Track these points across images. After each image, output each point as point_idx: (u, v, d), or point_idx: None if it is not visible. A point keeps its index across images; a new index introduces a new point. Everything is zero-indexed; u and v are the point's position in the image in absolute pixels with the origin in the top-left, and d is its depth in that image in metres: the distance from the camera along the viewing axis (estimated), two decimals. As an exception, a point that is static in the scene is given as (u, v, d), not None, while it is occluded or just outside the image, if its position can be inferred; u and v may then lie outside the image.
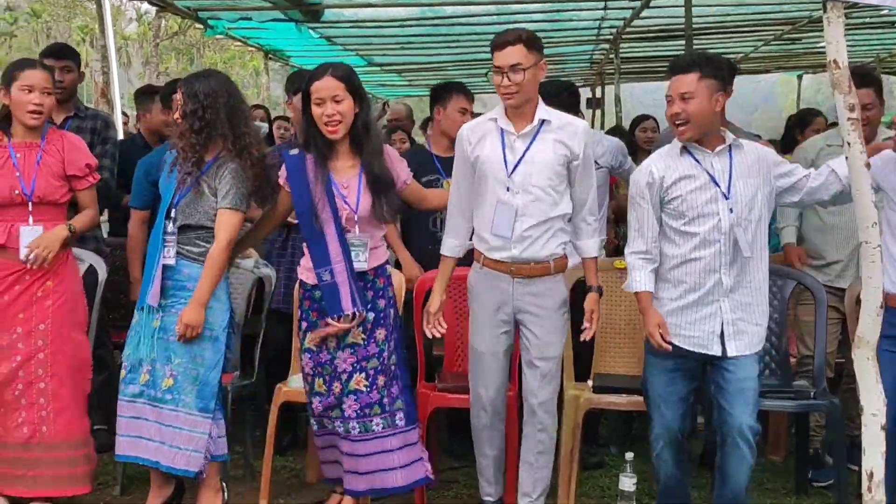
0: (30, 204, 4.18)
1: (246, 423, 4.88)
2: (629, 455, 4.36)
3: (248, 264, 4.85)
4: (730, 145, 3.84)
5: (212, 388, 4.13)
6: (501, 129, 3.91)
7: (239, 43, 12.90)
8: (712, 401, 3.93)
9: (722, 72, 3.80)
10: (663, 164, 3.88)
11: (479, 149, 3.91)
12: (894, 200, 3.94)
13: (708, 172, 3.80)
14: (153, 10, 9.47)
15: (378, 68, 15.56)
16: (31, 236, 4.15)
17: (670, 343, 3.80)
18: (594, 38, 12.57)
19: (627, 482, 4.32)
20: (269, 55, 13.79)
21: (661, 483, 4.08)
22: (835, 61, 3.37)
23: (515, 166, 3.86)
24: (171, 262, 4.10)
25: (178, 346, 4.07)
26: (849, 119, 3.37)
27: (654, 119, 7.16)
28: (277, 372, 4.81)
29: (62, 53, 5.58)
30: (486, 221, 3.98)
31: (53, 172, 4.25)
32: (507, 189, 3.87)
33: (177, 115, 4.11)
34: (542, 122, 3.90)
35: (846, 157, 3.48)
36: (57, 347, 4.26)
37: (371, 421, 4.00)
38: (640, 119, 7.58)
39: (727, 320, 3.82)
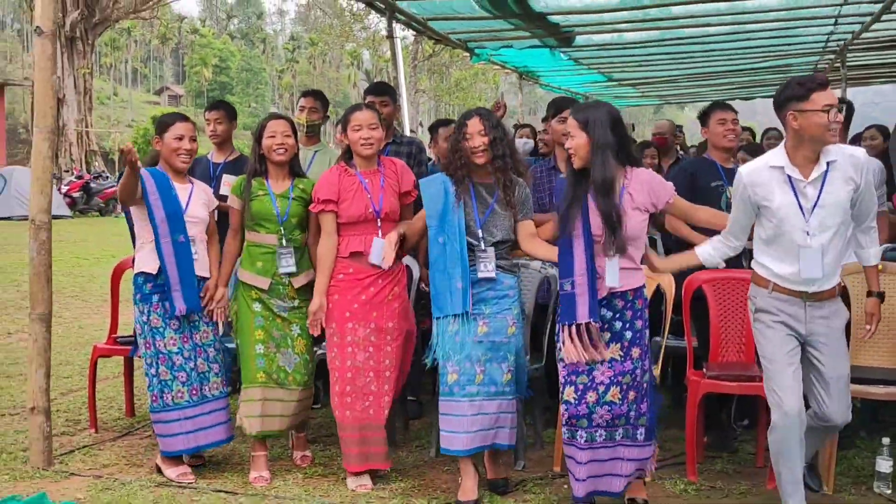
0: (378, 220, 4.61)
1: (536, 401, 5.07)
2: (886, 439, 4.39)
3: (535, 265, 5.05)
4: None
5: (524, 373, 4.55)
6: (789, 177, 3.82)
7: (497, 66, 13.20)
8: None
9: None
10: None
11: (768, 198, 3.83)
12: None
13: None
14: (410, 36, 9.94)
15: (615, 83, 15.76)
16: (380, 246, 4.54)
17: None
18: (821, 49, 12.35)
19: (884, 464, 4.38)
20: (523, 76, 13.98)
21: None
22: None
23: (812, 211, 3.81)
24: (492, 274, 4.35)
25: (508, 346, 4.38)
26: None
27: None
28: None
29: (381, 91, 6.07)
30: (784, 263, 3.91)
31: (393, 192, 4.67)
32: (807, 234, 3.81)
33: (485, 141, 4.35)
34: (829, 163, 3.79)
35: None
36: (399, 343, 4.65)
37: (616, 431, 4.09)
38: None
39: None
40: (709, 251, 4.09)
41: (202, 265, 4.80)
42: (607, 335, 4.05)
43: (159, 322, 4.68)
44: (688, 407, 4.68)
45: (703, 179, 5.26)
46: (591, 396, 4.03)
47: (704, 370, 4.80)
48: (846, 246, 4.08)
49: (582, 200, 4.04)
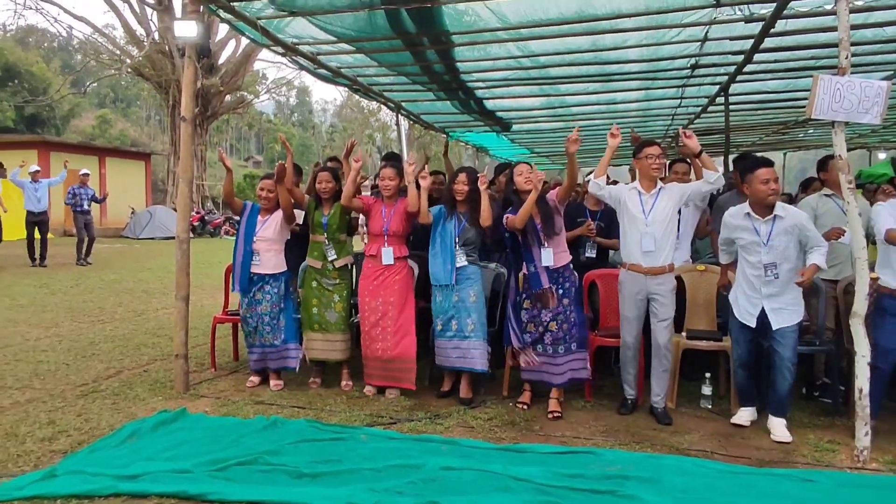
0: (386, 236, 4.65)
1: (492, 350, 4.79)
2: (707, 374, 4.47)
3: (492, 266, 4.96)
4: None
5: (484, 326, 4.52)
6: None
7: (462, 142, 13.17)
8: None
9: None
10: None
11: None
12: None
13: None
14: (407, 123, 9.99)
15: (535, 154, 15.47)
16: (388, 252, 4.62)
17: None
18: (662, 135, 11.94)
19: (706, 389, 4.45)
20: (478, 149, 13.95)
21: (738, 384, 4.15)
22: (839, 156, 3.59)
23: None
24: (464, 263, 4.47)
25: (471, 308, 4.45)
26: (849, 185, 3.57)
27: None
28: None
29: (392, 157, 6.12)
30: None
31: (401, 218, 4.64)
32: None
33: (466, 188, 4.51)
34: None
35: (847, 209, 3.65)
36: (398, 308, 4.60)
37: (557, 347, 4.27)
38: None
39: None
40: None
41: (264, 266, 4.88)
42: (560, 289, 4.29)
43: (241, 300, 4.97)
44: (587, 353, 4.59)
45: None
46: (540, 328, 4.28)
47: (597, 332, 4.80)
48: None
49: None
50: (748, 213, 3.91)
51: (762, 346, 4.06)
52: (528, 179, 4.20)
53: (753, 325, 3.96)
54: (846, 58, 3.51)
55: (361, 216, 5.06)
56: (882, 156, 15.69)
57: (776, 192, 3.84)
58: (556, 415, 4.25)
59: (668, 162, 5.14)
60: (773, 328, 3.86)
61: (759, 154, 4.35)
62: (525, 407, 4.39)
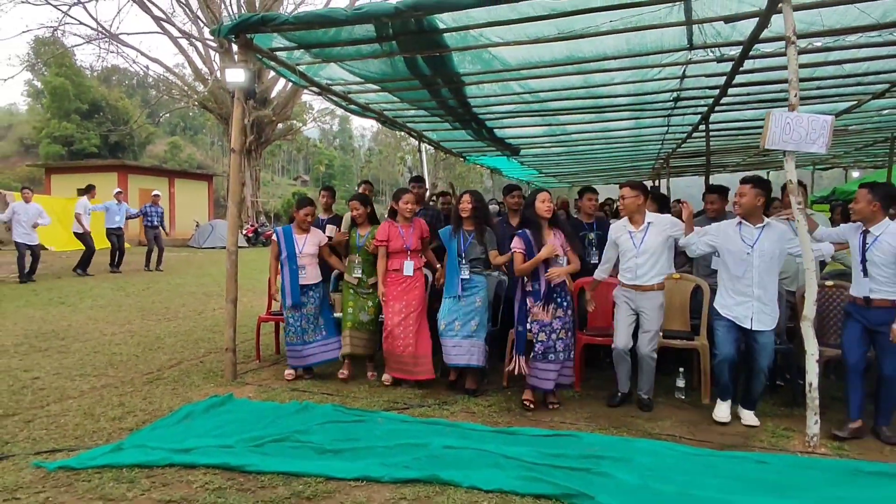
0: (408, 252, 4.71)
1: (494, 348, 5.01)
2: (682, 369, 4.51)
3: (495, 274, 5.02)
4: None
5: (485, 327, 4.54)
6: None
7: (479, 165, 13.37)
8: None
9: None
10: None
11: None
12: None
13: None
14: (432, 148, 10.12)
15: (543, 174, 15.63)
16: (409, 265, 4.69)
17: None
18: (655, 157, 11.93)
19: (680, 382, 4.48)
20: (493, 171, 14.09)
21: (723, 382, 3.95)
22: (790, 181, 3.61)
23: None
24: (467, 276, 4.49)
25: (475, 312, 4.43)
26: (798, 205, 3.59)
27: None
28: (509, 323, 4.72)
29: (418, 179, 6.17)
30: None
31: (417, 237, 4.74)
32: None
33: (470, 207, 4.53)
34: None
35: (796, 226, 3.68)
36: (418, 311, 4.66)
37: (560, 354, 4.14)
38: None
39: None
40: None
41: (308, 278, 4.90)
42: (556, 305, 4.15)
43: (286, 307, 4.88)
44: (575, 349, 4.55)
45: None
46: (552, 336, 4.13)
47: (585, 331, 4.82)
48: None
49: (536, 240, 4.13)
50: (740, 223, 3.92)
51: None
52: (549, 209, 4.15)
53: (749, 326, 3.82)
54: (795, 95, 3.55)
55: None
56: (856, 174, 15.43)
57: (738, 203, 3.91)
58: (555, 405, 4.27)
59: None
60: (755, 330, 3.80)
61: (747, 173, 4.30)
62: (531, 404, 4.23)
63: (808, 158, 12.82)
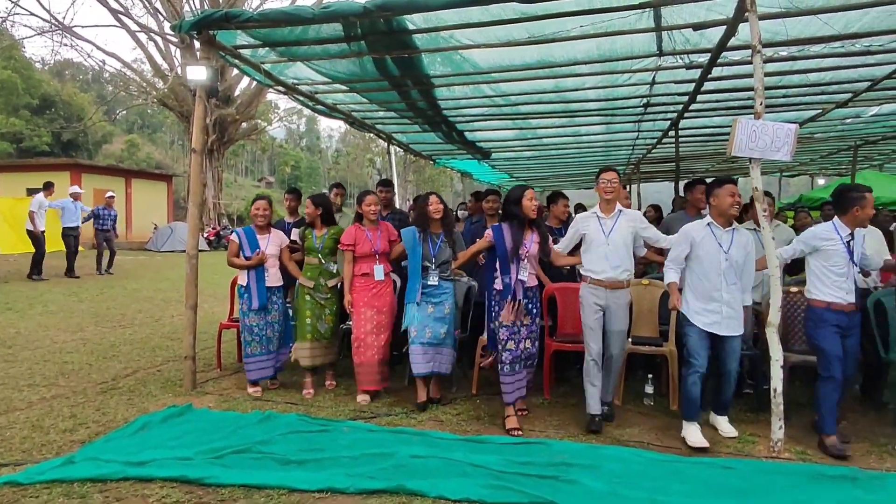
0: (377, 255, 4.62)
1: (463, 353, 5.10)
2: (650, 375, 4.60)
3: (465, 279, 5.02)
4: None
5: (453, 335, 4.52)
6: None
7: (449, 168, 13.37)
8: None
9: None
10: None
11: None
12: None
13: None
14: (401, 150, 10.09)
15: (514, 178, 15.44)
16: (380, 269, 4.60)
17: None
18: (626, 162, 11.88)
19: (649, 388, 4.57)
20: (463, 174, 14.13)
21: (693, 396, 3.81)
22: (756, 188, 3.75)
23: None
24: (436, 282, 4.42)
25: (445, 319, 4.42)
26: (763, 212, 3.75)
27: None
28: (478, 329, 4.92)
29: (385, 183, 6.03)
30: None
31: (385, 240, 4.67)
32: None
33: (439, 209, 4.52)
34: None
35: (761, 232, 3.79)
36: (388, 318, 4.63)
37: (526, 362, 4.10)
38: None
39: None
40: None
41: (272, 280, 4.80)
42: (525, 311, 4.04)
43: (247, 310, 4.75)
44: (545, 356, 4.68)
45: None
46: (521, 344, 4.03)
47: (554, 338, 4.82)
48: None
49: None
50: (710, 224, 3.88)
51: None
52: (535, 208, 4.06)
53: (722, 332, 3.77)
54: (760, 104, 3.67)
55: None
56: (821, 181, 15.95)
57: (739, 205, 3.89)
58: (523, 412, 4.27)
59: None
60: (726, 336, 3.77)
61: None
62: (519, 433, 3.95)
63: (774, 165, 13.17)
